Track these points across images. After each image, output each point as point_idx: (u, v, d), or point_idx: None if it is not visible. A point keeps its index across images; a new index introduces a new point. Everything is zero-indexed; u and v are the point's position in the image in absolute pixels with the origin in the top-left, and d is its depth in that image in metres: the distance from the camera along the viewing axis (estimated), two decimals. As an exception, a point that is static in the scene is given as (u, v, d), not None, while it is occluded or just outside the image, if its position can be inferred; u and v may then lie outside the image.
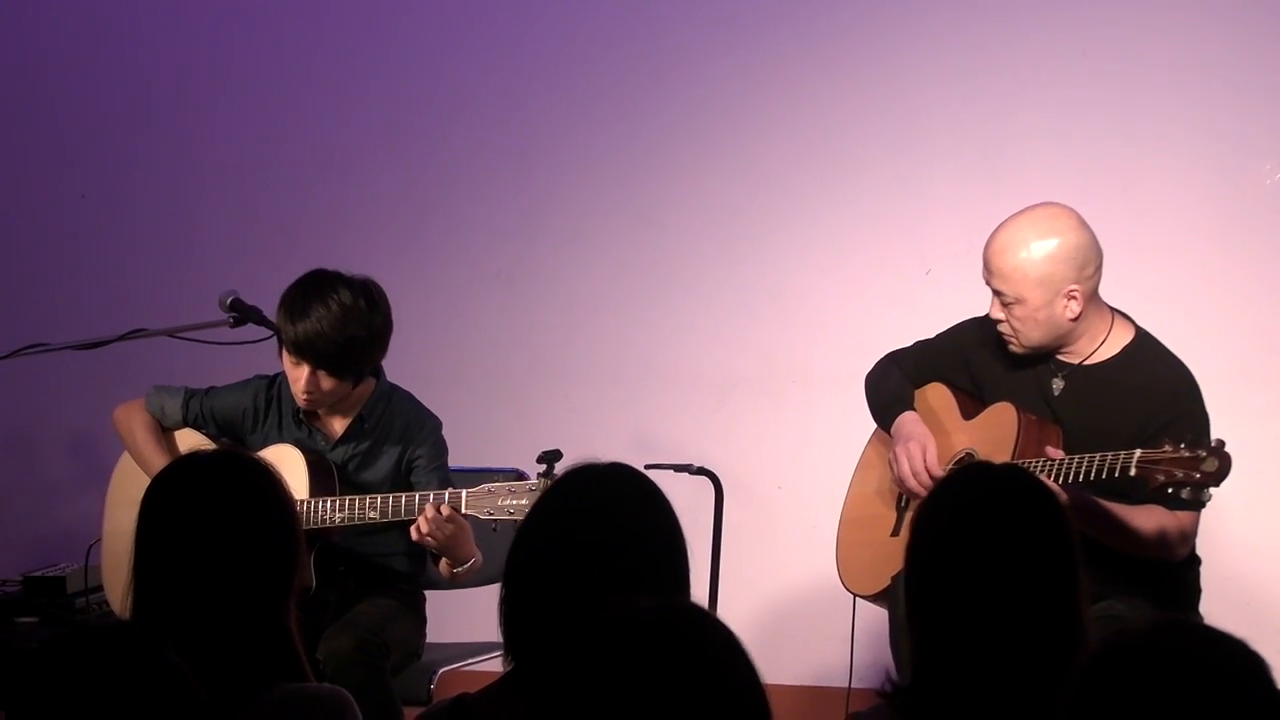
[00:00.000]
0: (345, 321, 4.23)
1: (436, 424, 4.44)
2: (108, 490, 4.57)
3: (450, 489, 4.16)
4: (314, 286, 4.28)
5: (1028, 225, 4.00)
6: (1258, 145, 5.08)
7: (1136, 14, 5.15)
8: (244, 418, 4.43)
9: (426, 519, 4.09)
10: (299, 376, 4.26)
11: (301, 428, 4.39)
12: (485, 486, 4.11)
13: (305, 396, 4.29)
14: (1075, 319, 4.00)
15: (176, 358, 4.91)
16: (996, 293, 4.03)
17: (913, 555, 2.70)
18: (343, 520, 4.24)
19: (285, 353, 4.29)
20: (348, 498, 4.25)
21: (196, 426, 4.47)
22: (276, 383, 4.44)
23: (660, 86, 5.56)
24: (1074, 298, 3.98)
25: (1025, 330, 4.03)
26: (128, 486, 4.42)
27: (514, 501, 4.06)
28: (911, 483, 4.11)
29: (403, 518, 4.19)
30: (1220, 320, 5.10)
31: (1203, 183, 5.13)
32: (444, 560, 4.26)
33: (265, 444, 4.35)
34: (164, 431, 4.49)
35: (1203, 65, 5.11)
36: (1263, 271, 5.11)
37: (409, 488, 4.36)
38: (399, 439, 4.39)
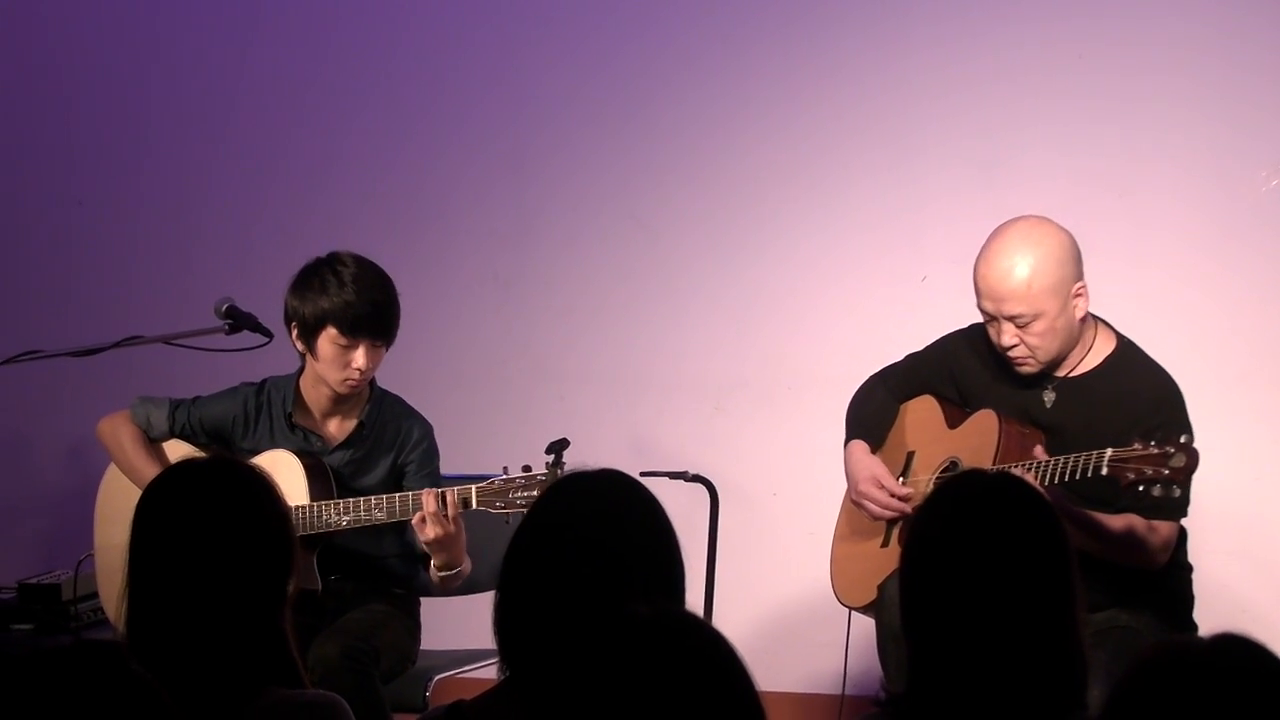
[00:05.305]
0: (379, 281, 4.22)
1: (427, 428, 4.40)
2: (96, 504, 4.53)
3: (458, 488, 4.10)
4: (324, 265, 4.23)
5: (1017, 243, 3.98)
6: (1254, 152, 5.08)
7: (1133, 23, 5.14)
8: (234, 425, 4.37)
9: (431, 508, 4.05)
10: (352, 358, 4.19)
11: (295, 432, 4.35)
12: (494, 480, 4.08)
13: (359, 376, 4.21)
14: (1084, 317, 4.00)
15: (171, 365, 4.89)
16: (1010, 318, 3.97)
17: (907, 563, 2.70)
18: (349, 523, 4.20)
19: (329, 340, 4.19)
20: (352, 500, 4.21)
21: (184, 437, 4.40)
22: (265, 389, 4.39)
23: (657, 93, 5.55)
24: (1081, 294, 3.99)
25: (1045, 344, 3.99)
26: (116, 500, 4.38)
27: (526, 494, 4.04)
28: (890, 515, 4.12)
29: (409, 517, 4.15)
30: (1217, 326, 5.10)
31: (1199, 189, 5.12)
32: (434, 565, 4.22)
33: (257, 451, 4.30)
34: (150, 442, 4.43)
35: (1199, 72, 5.10)
36: (1259, 277, 5.10)
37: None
38: (392, 445, 4.36)
